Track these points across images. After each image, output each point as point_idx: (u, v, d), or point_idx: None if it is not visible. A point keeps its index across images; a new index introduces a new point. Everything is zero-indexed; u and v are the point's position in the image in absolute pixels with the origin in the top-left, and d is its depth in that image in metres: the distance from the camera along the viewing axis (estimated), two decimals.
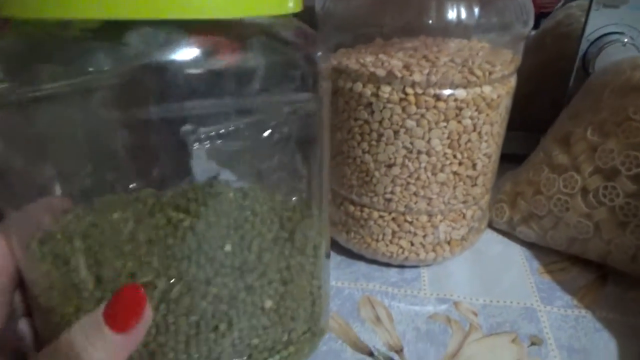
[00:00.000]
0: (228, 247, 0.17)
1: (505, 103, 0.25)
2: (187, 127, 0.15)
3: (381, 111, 0.23)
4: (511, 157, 0.32)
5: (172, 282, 0.16)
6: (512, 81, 0.25)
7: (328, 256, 0.21)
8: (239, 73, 0.14)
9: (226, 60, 0.14)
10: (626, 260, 0.26)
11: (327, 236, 0.21)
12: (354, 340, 0.23)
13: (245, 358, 0.19)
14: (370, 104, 0.23)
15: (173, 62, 0.13)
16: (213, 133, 0.15)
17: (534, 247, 0.30)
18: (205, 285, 0.17)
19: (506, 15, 0.23)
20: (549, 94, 0.36)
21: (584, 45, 0.33)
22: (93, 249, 0.16)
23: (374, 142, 0.24)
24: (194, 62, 0.13)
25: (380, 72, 0.22)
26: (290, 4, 0.15)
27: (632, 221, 0.25)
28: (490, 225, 0.31)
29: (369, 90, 0.23)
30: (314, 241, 0.20)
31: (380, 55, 0.23)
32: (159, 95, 0.14)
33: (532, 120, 0.34)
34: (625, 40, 0.31)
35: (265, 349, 0.19)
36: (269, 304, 0.19)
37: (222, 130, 0.15)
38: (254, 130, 0.16)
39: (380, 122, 0.23)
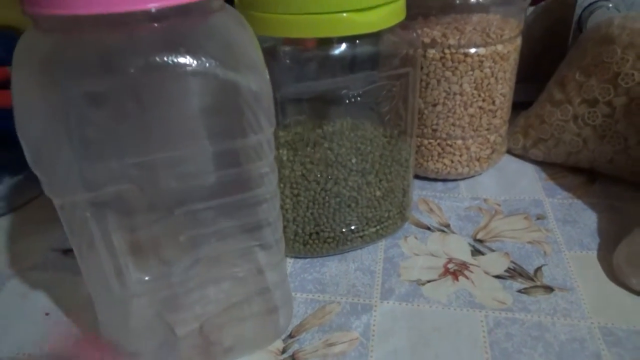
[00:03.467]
0: (353, 160, 0.28)
1: (514, 56, 0.35)
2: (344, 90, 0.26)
3: (427, 67, 0.34)
4: (525, 104, 0.43)
5: (328, 179, 0.28)
6: (518, 40, 0.36)
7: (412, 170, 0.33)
8: (372, 57, 0.26)
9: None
10: (606, 164, 0.36)
11: (412, 153, 0.32)
12: (416, 221, 0.35)
13: (365, 225, 0.31)
14: (421, 62, 0.34)
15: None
16: (356, 93, 0.27)
17: (542, 164, 0.40)
18: (344, 181, 0.29)
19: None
20: (555, 51, 0.46)
21: (578, 11, 0.42)
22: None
23: (423, 89, 0.35)
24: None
25: (427, 40, 0.34)
26: (403, 14, 0.26)
27: (607, 134, 0.35)
28: (509, 152, 0.42)
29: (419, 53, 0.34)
30: (405, 155, 0.31)
31: (425, 29, 0.34)
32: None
33: (542, 73, 0.44)
34: (610, 5, 0.41)
35: (375, 220, 0.31)
36: (378, 193, 0.31)
37: (360, 92, 0.27)
38: (376, 91, 0.27)
39: (427, 74, 0.34)
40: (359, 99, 0.27)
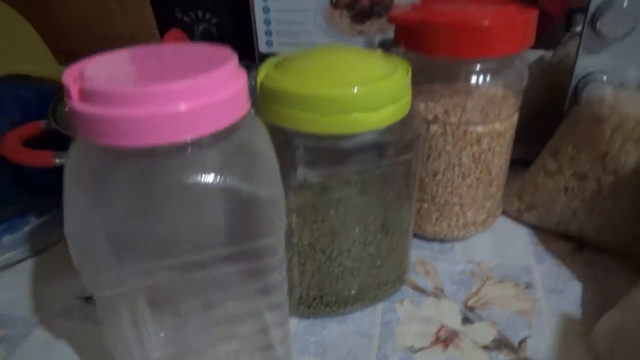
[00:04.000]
0: (357, 229, 0.31)
1: (510, 132, 0.38)
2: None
3: (429, 140, 0.37)
4: (525, 162, 0.45)
5: (333, 249, 0.31)
6: (514, 117, 0.38)
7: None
8: (378, 147, 0.29)
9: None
10: (593, 235, 0.39)
11: (412, 222, 0.35)
12: (413, 284, 0.37)
13: (365, 290, 0.33)
14: (423, 136, 0.37)
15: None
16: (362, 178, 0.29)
17: (535, 228, 0.43)
18: (347, 252, 0.31)
19: (512, 79, 0.36)
20: (552, 113, 0.48)
21: (574, 81, 0.45)
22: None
23: (425, 160, 0.38)
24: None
25: (430, 116, 0.36)
26: (407, 108, 0.29)
27: (595, 208, 0.38)
28: (505, 213, 0.44)
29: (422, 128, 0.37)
30: (405, 225, 0.34)
31: (429, 103, 0.37)
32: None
33: (540, 133, 0.46)
34: (605, 78, 0.44)
35: (375, 285, 0.34)
36: (379, 262, 0.33)
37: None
38: (381, 176, 0.30)
39: (429, 147, 0.37)
40: (360, 184, 0.30)
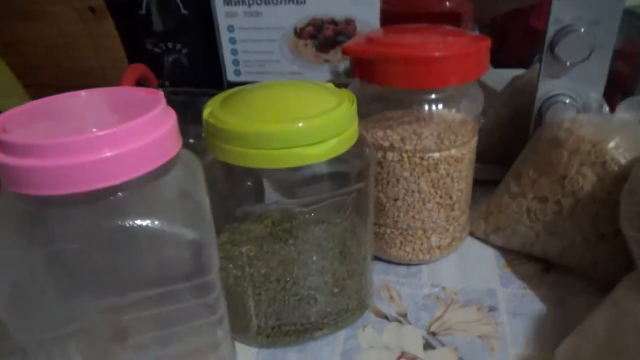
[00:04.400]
0: (314, 257, 0.31)
1: (469, 157, 0.38)
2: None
3: (387, 167, 0.37)
4: (492, 182, 0.45)
5: (287, 280, 0.31)
6: (473, 143, 0.38)
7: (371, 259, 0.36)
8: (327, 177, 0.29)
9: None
10: (557, 256, 0.39)
11: (371, 250, 0.35)
12: (376, 309, 0.37)
13: (325, 318, 0.33)
14: (381, 162, 0.37)
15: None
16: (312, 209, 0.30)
17: (502, 250, 0.43)
18: (302, 280, 0.31)
19: (468, 105, 0.37)
20: (518, 135, 0.49)
21: (537, 103, 0.45)
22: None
23: (385, 185, 0.38)
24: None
25: (386, 144, 0.37)
26: (354, 138, 0.29)
27: (557, 230, 0.38)
28: (472, 234, 0.44)
29: (380, 154, 0.37)
30: (363, 253, 0.34)
31: (387, 131, 0.37)
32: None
33: (510, 155, 0.47)
34: (567, 101, 0.44)
35: (334, 314, 0.34)
36: (336, 290, 0.33)
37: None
38: (332, 206, 0.30)
39: (388, 173, 0.37)
40: (313, 214, 0.30)
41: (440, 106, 0.36)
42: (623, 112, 0.37)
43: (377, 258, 0.42)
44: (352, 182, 0.31)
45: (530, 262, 0.41)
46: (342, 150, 0.29)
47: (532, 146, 0.40)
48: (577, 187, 0.36)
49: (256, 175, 0.29)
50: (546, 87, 0.44)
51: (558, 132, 0.38)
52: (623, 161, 0.34)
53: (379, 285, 0.39)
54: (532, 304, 0.37)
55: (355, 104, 0.30)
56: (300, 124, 0.26)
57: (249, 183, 0.29)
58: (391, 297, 0.38)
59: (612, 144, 0.35)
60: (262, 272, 0.32)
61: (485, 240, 0.44)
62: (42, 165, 0.17)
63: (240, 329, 0.33)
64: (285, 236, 0.31)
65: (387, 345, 0.34)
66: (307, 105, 0.28)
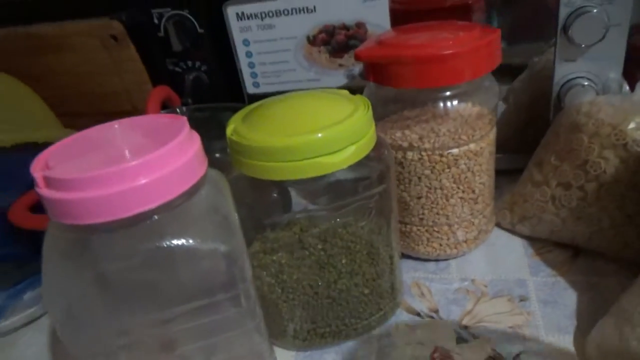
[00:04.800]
0: (343, 260, 0.32)
1: (489, 149, 0.38)
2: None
3: (408, 166, 0.38)
4: (515, 171, 0.45)
5: (319, 284, 0.32)
6: (491, 135, 0.39)
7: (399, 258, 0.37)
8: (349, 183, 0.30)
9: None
10: (585, 242, 0.39)
11: (397, 249, 0.36)
12: (408, 307, 0.38)
13: (358, 319, 0.35)
14: (402, 162, 0.38)
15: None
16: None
17: (530, 239, 0.43)
18: (334, 284, 0.33)
19: (483, 98, 0.37)
20: (539, 121, 0.48)
21: (555, 88, 0.45)
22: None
23: (407, 184, 0.39)
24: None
25: (405, 144, 0.37)
26: (372, 143, 0.30)
27: (583, 216, 0.38)
28: (499, 225, 0.44)
29: (400, 155, 0.38)
30: (390, 252, 0.35)
31: (405, 131, 0.38)
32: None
33: (529, 142, 0.47)
34: (585, 83, 0.44)
35: (367, 314, 0.35)
36: (367, 291, 0.34)
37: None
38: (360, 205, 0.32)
39: (409, 172, 0.38)
40: (339, 219, 0.31)
41: (455, 102, 0.36)
42: None
43: (406, 256, 0.43)
44: (374, 185, 0.32)
45: (558, 249, 0.41)
46: (361, 155, 0.29)
47: (553, 132, 0.40)
48: (599, 171, 0.36)
49: (281, 185, 0.30)
50: (563, 71, 0.43)
51: (577, 116, 0.38)
52: None
53: (409, 283, 0.40)
54: (563, 291, 0.37)
55: (370, 109, 0.30)
56: (320, 135, 0.28)
57: (275, 194, 0.30)
58: (422, 294, 0.39)
59: (632, 125, 0.35)
60: (294, 277, 0.33)
61: (512, 231, 0.44)
62: (84, 197, 0.19)
63: (277, 334, 0.35)
64: (314, 242, 0.32)
65: (421, 341, 0.35)
66: (324, 115, 0.29)
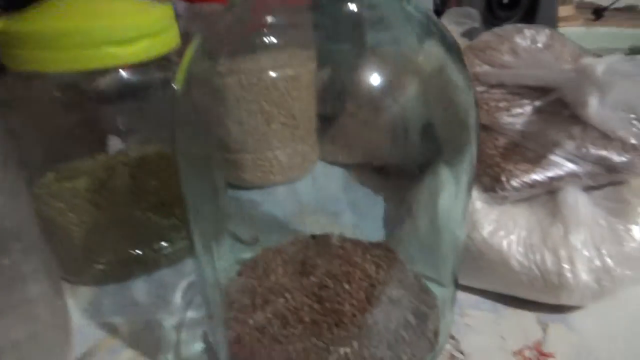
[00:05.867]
0: (153, 182, 0.30)
1: (307, 77, 0.39)
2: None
3: (227, 90, 0.37)
4: None
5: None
6: (310, 64, 0.40)
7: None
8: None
9: None
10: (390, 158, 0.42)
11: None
12: (234, 235, 0.38)
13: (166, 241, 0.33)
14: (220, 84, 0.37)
15: None
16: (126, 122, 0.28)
17: (350, 167, 0.45)
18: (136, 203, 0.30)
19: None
20: None
21: None
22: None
23: (227, 109, 0.38)
24: None
25: (224, 70, 0.36)
26: (174, 43, 0.28)
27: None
28: (323, 159, 0.46)
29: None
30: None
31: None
32: None
33: None
34: None
35: (177, 238, 0.33)
36: (177, 211, 0.32)
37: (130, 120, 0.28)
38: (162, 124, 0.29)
39: (228, 97, 0.37)
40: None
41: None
42: None
43: (232, 186, 0.42)
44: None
45: (374, 174, 0.44)
46: (156, 52, 0.27)
47: None
48: None
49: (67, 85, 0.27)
50: None
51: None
52: None
53: (232, 212, 0.40)
54: (374, 206, 0.40)
55: (172, 12, 0.29)
56: (106, 19, 0.25)
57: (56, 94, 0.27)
58: (243, 219, 0.39)
59: None
60: (91, 204, 0.30)
61: (334, 162, 0.46)
62: None
63: (73, 270, 0.32)
64: (121, 169, 0.30)
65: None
66: (113, 5, 0.26)
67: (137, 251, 0.32)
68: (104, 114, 0.29)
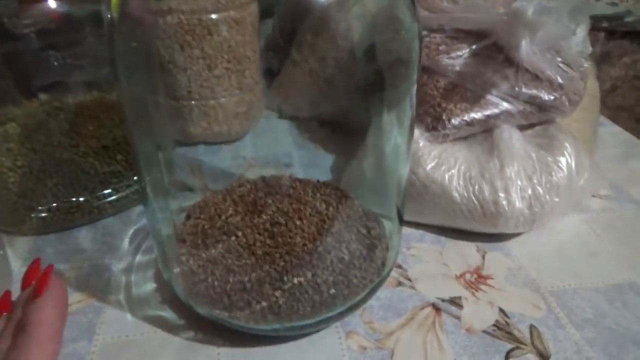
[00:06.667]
0: (91, 127, 0.28)
1: (250, 20, 0.39)
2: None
3: (169, 31, 0.36)
4: None
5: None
6: (252, 7, 0.39)
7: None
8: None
9: None
10: (337, 112, 0.43)
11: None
12: (179, 184, 0.37)
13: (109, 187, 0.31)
14: (163, 29, 0.35)
15: None
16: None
17: (296, 120, 0.45)
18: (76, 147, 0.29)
19: None
20: None
21: None
22: None
23: (170, 54, 0.36)
24: None
25: (165, 7, 0.35)
26: None
27: (336, 82, 0.41)
28: (269, 109, 0.46)
29: (160, 20, 0.35)
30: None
31: None
32: None
33: None
34: None
35: (121, 184, 0.32)
36: (120, 156, 0.31)
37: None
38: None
39: (170, 39, 0.36)
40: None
41: None
42: None
43: (181, 143, 0.41)
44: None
45: (321, 128, 0.45)
46: None
47: (308, 12, 0.43)
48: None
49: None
50: None
51: None
52: None
53: (181, 163, 0.39)
54: (322, 156, 0.40)
55: None
56: None
57: None
58: (193, 172, 0.38)
59: None
60: (27, 146, 0.28)
61: (281, 115, 0.46)
62: None
63: (10, 221, 0.30)
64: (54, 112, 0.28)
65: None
66: None
67: (80, 198, 0.31)
68: (33, 50, 0.27)
